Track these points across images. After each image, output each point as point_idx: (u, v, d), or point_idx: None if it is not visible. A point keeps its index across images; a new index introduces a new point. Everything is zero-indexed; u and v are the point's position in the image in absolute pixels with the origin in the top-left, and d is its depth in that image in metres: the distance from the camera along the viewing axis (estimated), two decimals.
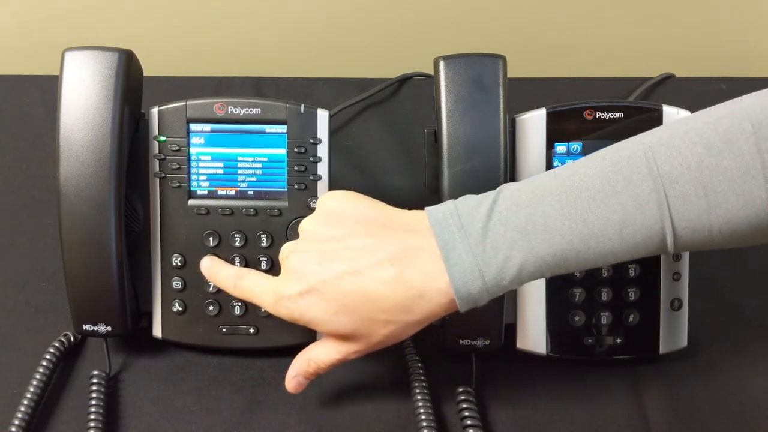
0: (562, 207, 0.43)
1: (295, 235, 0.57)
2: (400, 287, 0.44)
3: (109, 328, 0.55)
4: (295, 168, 0.57)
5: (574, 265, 0.44)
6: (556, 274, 0.45)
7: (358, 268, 0.45)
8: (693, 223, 0.42)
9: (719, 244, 0.44)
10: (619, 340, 0.58)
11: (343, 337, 0.47)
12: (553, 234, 0.43)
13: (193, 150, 0.57)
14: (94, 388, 0.55)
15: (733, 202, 0.42)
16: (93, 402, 0.54)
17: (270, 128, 0.57)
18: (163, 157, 0.57)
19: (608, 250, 0.43)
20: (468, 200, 0.46)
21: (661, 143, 0.44)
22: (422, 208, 0.57)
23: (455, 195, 0.48)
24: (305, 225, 0.48)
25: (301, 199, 0.57)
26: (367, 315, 0.45)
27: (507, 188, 0.46)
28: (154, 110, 0.57)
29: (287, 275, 0.47)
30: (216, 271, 0.55)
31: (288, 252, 0.48)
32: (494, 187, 0.46)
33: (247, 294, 0.51)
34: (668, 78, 0.80)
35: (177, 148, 0.57)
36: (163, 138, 0.57)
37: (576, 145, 0.56)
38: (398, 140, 0.74)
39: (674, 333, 0.58)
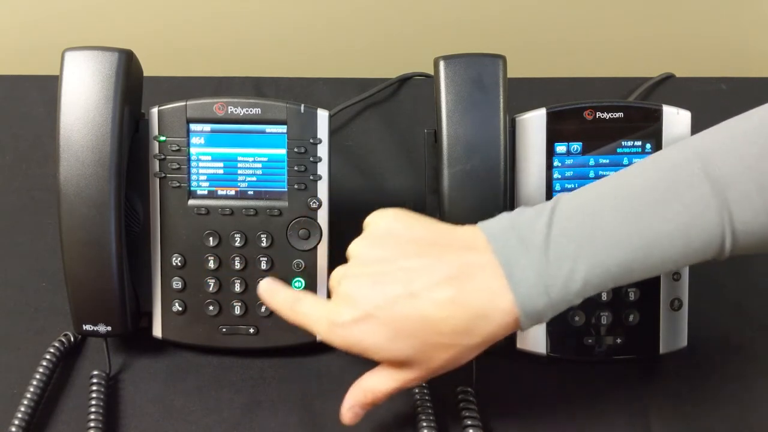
0: (624, 216, 0.43)
1: (295, 236, 0.57)
2: (460, 308, 0.42)
3: (109, 328, 0.55)
4: (295, 168, 0.57)
5: (638, 274, 0.43)
6: (619, 285, 0.44)
7: (414, 291, 0.43)
8: (751, 226, 0.42)
9: None
10: (619, 340, 0.58)
11: (401, 364, 0.45)
12: (616, 243, 0.42)
13: (193, 150, 0.57)
14: (94, 388, 0.55)
15: None
16: (93, 402, 0.54)
17: (270, 128, 0.57)
18: (163, 157, 0.57)
19: (670, 257, 0.43)
20: (524, 212, 0.44)
21: (713, 145, 0.43)
22: (424, 209, 0.57)
23: (455, 195, 0.48)
24: (355, 248, 0.46)
25: (301, 199, 0.57)
26: (426, 340, 0.43)
27: (564, 198, 0.45)
28: (154, 110, 0.57)
29: (339, 301, 0.45)
30: (273, 293, 0.51)
31: (340, 277, 0.46)
32: (494, 187, 0.46)
33: (301, 319, 0.48)
34: (668, 78, 0.80)
35: (177, 148, 0.57)
36: (163, 138, 0.57)
37: (576, 145, 0.56)
38: (398, 140, 0.74)
39: (674, 333, 0.58)
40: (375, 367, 0.47)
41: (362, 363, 0.59)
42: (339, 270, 0.46)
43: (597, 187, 0.45)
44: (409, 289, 0.43)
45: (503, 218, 0.45)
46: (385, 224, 0.46)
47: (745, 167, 0.42)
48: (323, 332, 0.46)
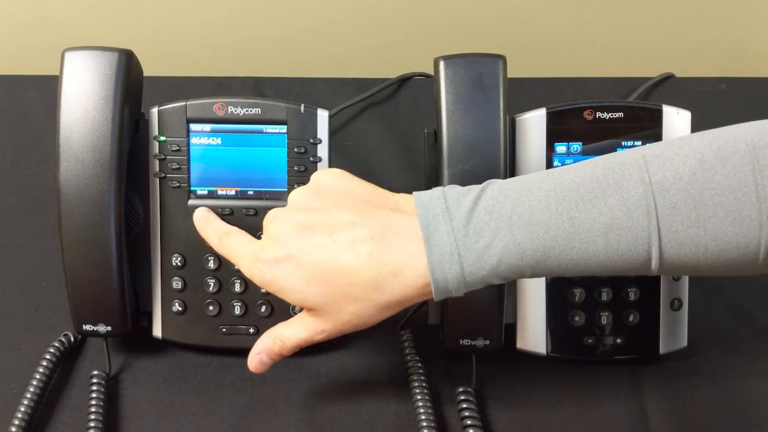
0: (549, 203, 0.43)
1: None
2: (376, 263, 0.44)
3: (109, 328, 0.55)
4: (295, 168, 0.57)
5: (555, 264, 0.44)
6: (536, 275, 0.44)
7: (336, 240, 0.45)
8: (680, 236, 0.42)
9: (705, 266, 0.43)
10: (619, 340, 0.58)
11: (311, 311, 0.47)
12: (537, 227, 0.43)
13: (193, 150, 0.57)
14: (94, 388, 0.55)
15: (723, 218, 0.41)
16: (93, 402, 0.54)
17: (270, 128, 0.57)
18: (163, 157, 0.57)
19: (591, 253, 0.43)
20: (456, 188, 0.46)
21: (655, 154, 0.43)
22: None
23: None
24: (293, 195, 0.48)
25: None
26: (338, 288, 0.44)
27: (496, 181, 0.46)
28: (154, 110, 0.57)
29: (267, 240, 0.47)
30: (207, 223, 0.55)
31: (272, 218, 0.47)
32: None
33: (228, 251, 0.51)
34: (668, 78, 0.80)
35: (177, 148, 0.57)
36: (163, 138, 0.57)
37: (576, 145, 0.56)
38: (398, 140, 0.74)
39: (674, 333, 0.58)
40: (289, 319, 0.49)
41: (362, 362, 0.59)
42: (273, 212, 0.48)
43: (535, 175, 0.46)
44: (332, 238, 0.45)
45: (437, 190, 0.46)
46: (327, 179, 0.48)
47: (682, 178, 0.42)
48: (246, 267, 0.48)
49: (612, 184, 0.43)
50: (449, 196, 0.45)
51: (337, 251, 0.44)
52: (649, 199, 0.42)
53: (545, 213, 0.43)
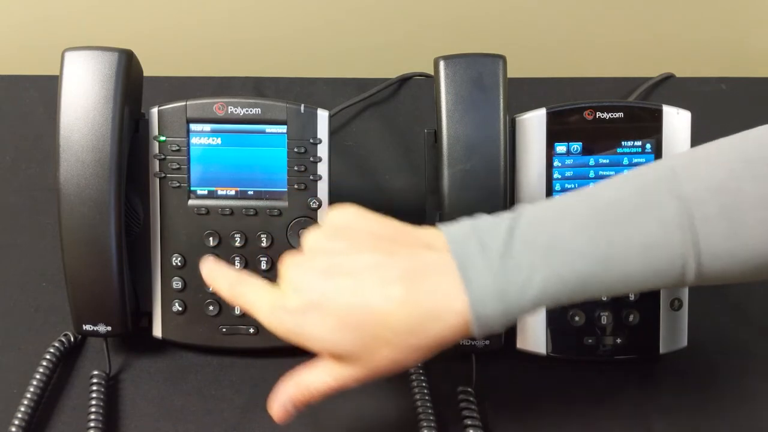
0: (585, 227, 0.42)
1: (295, 236, 0.57)
2: (410, 306, 0.41)
3: (109, 328, 0.55)
4: (295, 168, 0.57)
5: (596, 288, 0.42)
6: (574, 301, 0.43)
7: (364, 285, 0.41)
8: (717, 249, 0.41)
9: (740, 275, 0.42)
10: (619, 340, 0.58)
11: (341, 358, 0.43)
12: (575, 255, 0.41)
13: (193, 150, 0.57)
14: (94, 388, 0.55)
15: (754, 228, 0.41)
16: (93, 402, 0.54)
17: (270, 128, 0.57)
18: (163, 157, 0.57)
19: (630, 274, 0.42)
20: (485, 218, 0.44)
21: (684, 165, 0.43)
22: (423, 210, 0.57)
23: (455, 195, 0.48)
24: (309, 238, 0.45)
25: (301, 199, 0.57)
26: (371, 333, 0.41)
27: (527, 207, 0.44)
28: (154, 110, 0.57)
29: (286, 287, 0.43)
30: (216, 272, 0.49)
31: (289, 264, 0.44)
32: (494, 188, 0.46)
33: (242, 301, 0.46)
34: (668, 78, 0.80)
35: (177, 148, 0.57)
36: (163, 138, 0.57)
37: (576, 145, 0.56)
38: (398, 140, 0.74)
39: (674, 333, 0.58)
40: (311, 362, 0.45)
41: None
42: (291, 258, 0.45)
43: (565, 198, 0.44)
44: (360, 283, 0.41)
45: (465, 223, 0.44)
46: (344, 218, 0.45)
47: (712, 190, 0.41)
48: (264, 317, 0.44)
49: (645, 203, 0.42)
50: (481, 228, 0.43)
51: (365, 294, 0.41)
52: (683, 214, 0.41)
53: (583, 239, 0.42)
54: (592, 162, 0.57)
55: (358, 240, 0.43)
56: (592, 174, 0.57)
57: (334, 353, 0.43)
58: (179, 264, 0.57)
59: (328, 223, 0.45)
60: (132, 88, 0.56)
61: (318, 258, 0.43)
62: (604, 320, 0.57)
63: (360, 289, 0.41)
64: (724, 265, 0.41)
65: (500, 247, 0.41)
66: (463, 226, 0.43)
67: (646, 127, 0.57)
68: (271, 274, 0.57)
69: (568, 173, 0.57)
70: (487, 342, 0.55)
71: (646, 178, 0.43)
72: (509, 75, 0.55)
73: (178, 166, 0.57)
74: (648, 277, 0.42)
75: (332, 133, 0.58)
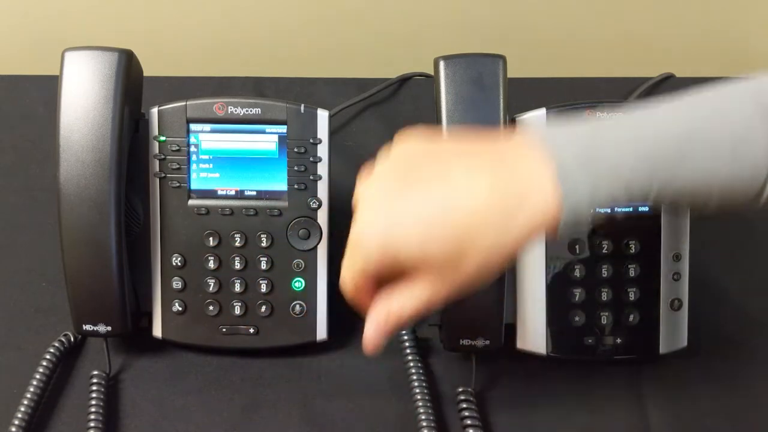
0: (675, 116, 0.41)
1: (295, 236, 0.57)
2: (498, 195, 0.39)
3: (109, 328, 0.55)
4: (295, 168, 0.57)
5: (682, 180, 0.40)
6: (662, 198, 0.41)
7: (447, 183, 0.39)
8: None
9: None
10: (619, 340, 0.58)
11: (430, 270, 0.40)
12: (666, 137, 0.40)
13: (193, 150, 0.57)
14: (94, 388, 0.55)
15: None
16: (93, 402, 0.54)
17: (270, 128, 0.57)
18: (163, 157, 0.57)
19: (719, 168, 0.41)
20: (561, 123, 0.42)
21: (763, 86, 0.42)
22: None
23: None
24: (379, 168, 0.43)
25: (301, 199, 0.57)
26: (460, 234, 0.39)
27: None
28: (154, 110, 0.57)
29: (366, 210, 0.41)
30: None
31: (363, 189, 0.42)
32: None
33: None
34: (668, 78, 0.80)
35: (177, 148, 0.57)
36: (163, 138, 0.57)
37: None
38: None
39: (674, 333, 0.58)
40: (397, 287, 0.42)
41: (362, 361, 0.59)
42: (362, 186, 0.43)
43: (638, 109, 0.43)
44: (442, 183, 0.40)
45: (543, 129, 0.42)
46: (411, 144, 0.43)
47: None
48: (355, 245, 0.42)
49: (727, 108, 0.41)
50: (561, 124, 0.41)
51: (450, 195, 0.39)
52: (764, 120, 0.40)
53: (674, 123, 0.41)
54: None
55: (431, 154, 0.42)
56: None
57: (425, 263, 0.40)
58: (179, 264, 0.57)
59: (396, 152, 0.43)
60: (132, 88, 0.56)
61: (391, 177, 0.42)
62: (604, 320, 0.57)
63: (443, 192, 0.40)
64: None
65: (587, 133, 0.40)
66: (542, 129, 0.42)
67: None
68: (271, 274, 0.57)
69: None
70: (487, 342, 0.55)
71: (724, 90, 0.43)
72: (509, 75, 0.55)
73: (178, 166, 0.57)
74: (735, 177, 0.41)
75: (332, 133, 0.58)
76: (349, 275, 0.43)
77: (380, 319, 0.43)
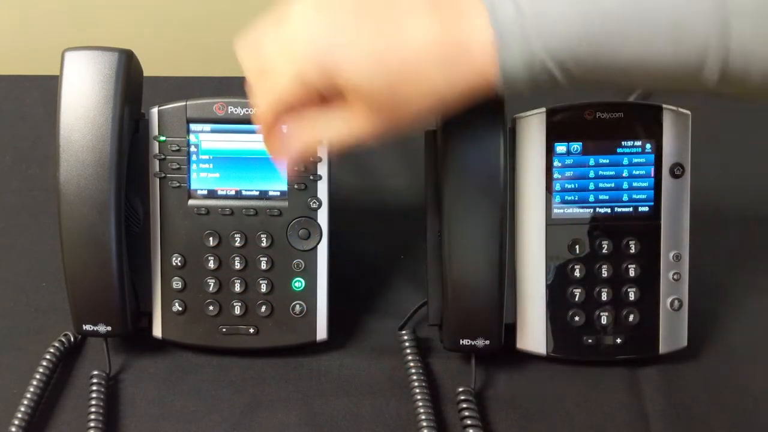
0: None
1: (295, 236, 0.57)
2: (446, 41, 0.38)
3: (109, 328, 0.55)
4: (295, 168, 0.57)
5: (617, 50, 0.39)
6: (599, 64, 0.40)
7: (398, 22, 0.39)
8: (745, 46, 0.38)
9: (762, 83, 0.39)
10: (619, 340, 0.58)
11: (365, 100, 0.40)
12: (605, 4, 0.39)
13: (193, 150, 0.57)
14: (94, 388, 0.55)
15: None
16: (93, 402, 0.54)
17: None
18: (163, 157, 0.57)
19: (653, 42, 0.39)
20: None
21: None
22: (423, 211, 0.56)
23: (455, 196, 0.47)
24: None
25: (301, 199, 0.57)
26: (401, 69, 0.39)
27: None
28: (154, 110, 0.57)
29: (301, 17, 0.40)
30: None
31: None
32: (494, 188, 0.45)
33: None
34: None
35: (177, 148, 0.57)
36: (163, 138, 0.57)
37: (576, 145, 0.56)
38: (398, 140, 0.74)
39: (674, 333, 0.58)
40: (326, 108, 0.41)
41: (362, 361, 0.59)
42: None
43: None
44: (395, 21, 0.39)
45: None
46: None
47: None
48: (285, 51, 0.41)
49: None
50: None
51: (400, 35, 0.39)
52: (717, 2, 0.38)
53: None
54: (592, 162, 0.57)
55: None
56: (592, 174, 0.57)
57: (361, 93, 0.40)
58: (179, 264, 0.57)
59: None
60: (132, 88, 0.56)
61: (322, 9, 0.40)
62: (604, 320, 0.57)
63: (394, 27, 0.39)
64: (749, 65, 0.39)
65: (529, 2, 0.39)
66: None
67: (646, 127, 0.57)
68: (271, 274, 0.57)
69: (568, 173, 0.57)
70: (487, 342, 0.55)
71: None
72: None
73: (178, 166, 0.57)
74: (670, 54, 0.39)
75: None
76: (272, 95, 0.41)
77: (301, 132, 0.41)
